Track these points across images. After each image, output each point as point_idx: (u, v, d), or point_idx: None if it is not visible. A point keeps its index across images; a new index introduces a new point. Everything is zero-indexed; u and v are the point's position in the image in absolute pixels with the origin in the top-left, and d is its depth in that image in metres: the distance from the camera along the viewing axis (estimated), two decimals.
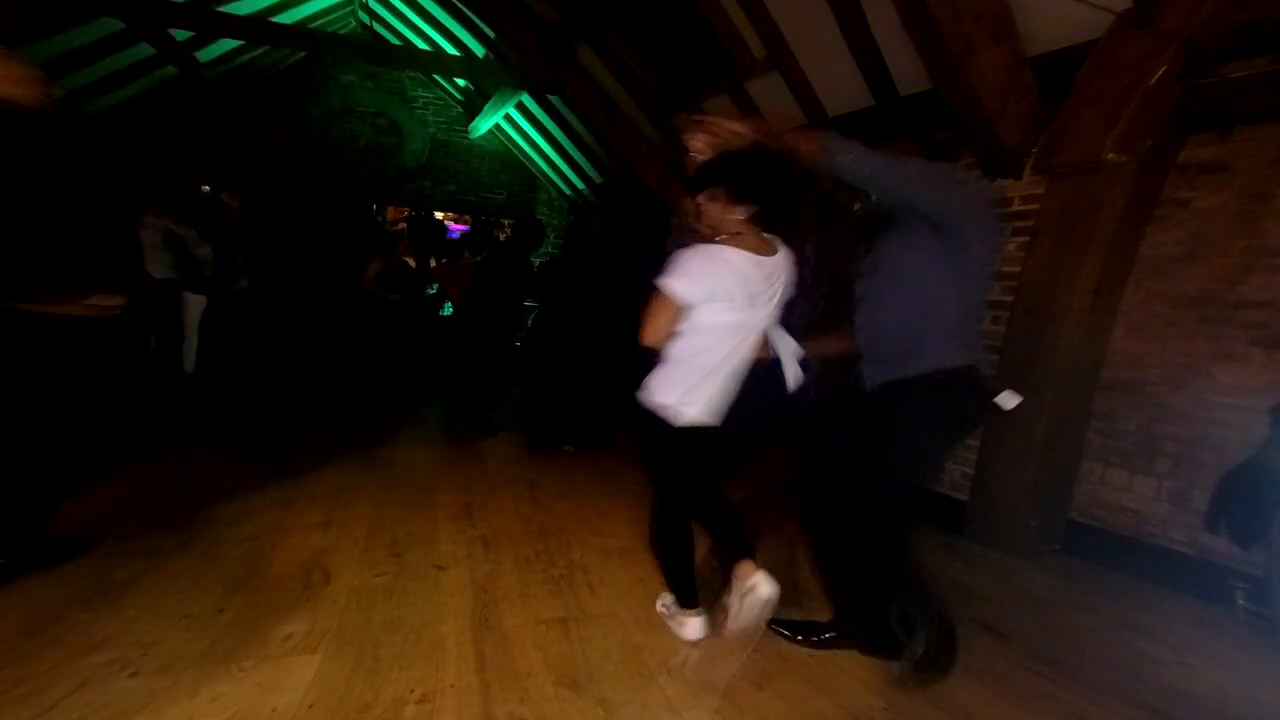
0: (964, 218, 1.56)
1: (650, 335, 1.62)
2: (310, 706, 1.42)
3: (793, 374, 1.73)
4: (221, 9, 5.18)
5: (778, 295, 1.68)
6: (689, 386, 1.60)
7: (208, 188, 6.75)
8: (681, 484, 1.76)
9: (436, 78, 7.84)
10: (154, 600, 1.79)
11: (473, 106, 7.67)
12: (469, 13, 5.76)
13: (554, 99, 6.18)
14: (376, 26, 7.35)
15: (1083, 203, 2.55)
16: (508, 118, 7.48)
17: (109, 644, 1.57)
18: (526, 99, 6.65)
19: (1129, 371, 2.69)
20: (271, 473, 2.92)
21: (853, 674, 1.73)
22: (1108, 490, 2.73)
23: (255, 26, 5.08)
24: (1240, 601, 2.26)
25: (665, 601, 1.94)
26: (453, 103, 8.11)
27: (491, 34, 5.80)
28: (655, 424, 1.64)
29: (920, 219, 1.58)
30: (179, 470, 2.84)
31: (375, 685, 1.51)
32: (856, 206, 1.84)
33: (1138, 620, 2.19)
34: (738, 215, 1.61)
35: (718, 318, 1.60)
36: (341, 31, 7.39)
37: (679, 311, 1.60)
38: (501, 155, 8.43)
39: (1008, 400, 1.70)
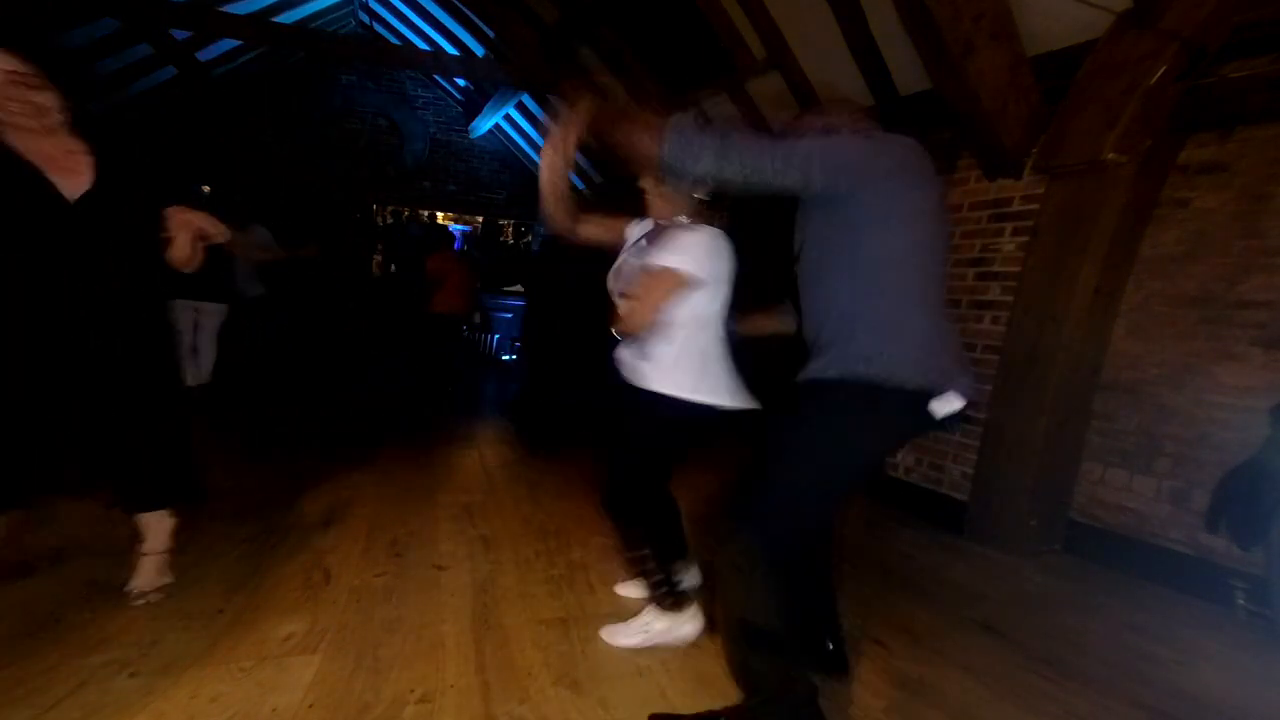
0: (854, 188, 1.23)
1: (646, 317, 1.57)
2: (310, 706, 1.42)
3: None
4: (221, 9, 5.17)
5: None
6: (699, 373, 1.62)
7: (208, 188, 6.74)
8: (668, 464, 1.77)
9: (436, 78, 7.84)
10: (154, 600, 1.79)
11: (473, 106, 7.67)
12: (469, 13, 5.76)
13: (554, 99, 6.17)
14: (376, 26, 7.35)
15: (1083, 203, 2.55)
16: (508, 118, 7.47)
17: (109, 644, 1.57)
18: (526, 99, 6.65)
19: (1129, 371, 2.69)
20: (272, 472, 2.92)
21: (852, 674, 1.72)
22: (1108, 490, 2.73)
23: (255, 26, 5.07)
24: (1240, 601, 2.26)
25: (648, 622, 1.79)
26: (453, 103, 8.11)
27: (491, 34, 5.80)
28: (657, 408, 1.62)
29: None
30: None
31: (375, 685, 1.51)
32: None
33: (1138, 620, 2.19)
34: (699, 195, 1.66)
35: (714, 302, 1.65)
36: (341, 31, 7.38)
37: (681, 294, 1.58)
38: (501, 155, 8.42)
39: (942, 405, 1.27)
